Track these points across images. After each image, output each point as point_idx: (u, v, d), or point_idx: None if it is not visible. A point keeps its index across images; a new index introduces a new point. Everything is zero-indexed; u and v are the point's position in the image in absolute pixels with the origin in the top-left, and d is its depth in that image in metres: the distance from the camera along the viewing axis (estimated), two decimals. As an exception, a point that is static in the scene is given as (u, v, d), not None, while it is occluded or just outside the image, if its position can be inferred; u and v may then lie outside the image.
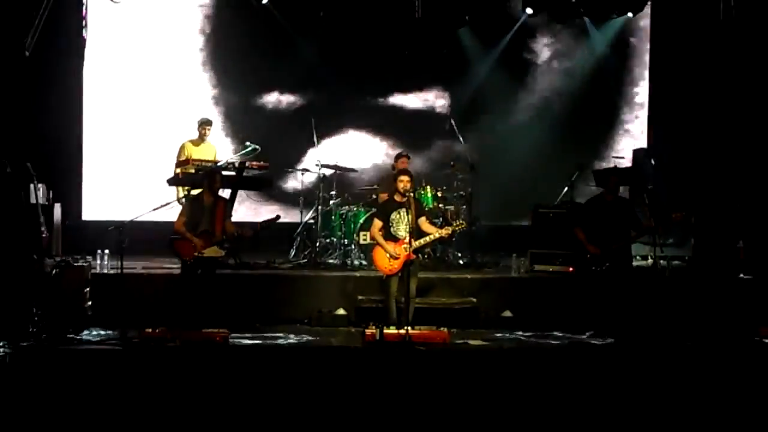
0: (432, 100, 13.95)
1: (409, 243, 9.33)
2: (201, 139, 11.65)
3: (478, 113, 13.90)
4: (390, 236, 9.54)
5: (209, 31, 13.48)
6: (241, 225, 10.16)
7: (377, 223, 9.63)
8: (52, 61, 12.25)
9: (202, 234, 9.66)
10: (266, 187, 11.98)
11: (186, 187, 11.27)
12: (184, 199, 11.20)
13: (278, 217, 10.11)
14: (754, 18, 12.07)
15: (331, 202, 11.85)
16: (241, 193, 11.55)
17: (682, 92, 13.63)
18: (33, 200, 10.05)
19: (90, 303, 9.64)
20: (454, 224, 9.90)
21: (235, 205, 11.20)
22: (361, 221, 11.36)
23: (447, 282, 10.78)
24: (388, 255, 9.49)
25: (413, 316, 9.54)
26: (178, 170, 11.41)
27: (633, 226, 10.01)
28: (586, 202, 10.61)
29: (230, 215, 10.13)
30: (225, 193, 10.67)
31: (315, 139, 12.20)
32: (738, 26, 12.07)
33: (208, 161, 11.33)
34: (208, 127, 11.68)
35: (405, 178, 9.57)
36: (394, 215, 9.56)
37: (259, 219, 10.21)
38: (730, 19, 12.00)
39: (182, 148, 11.62)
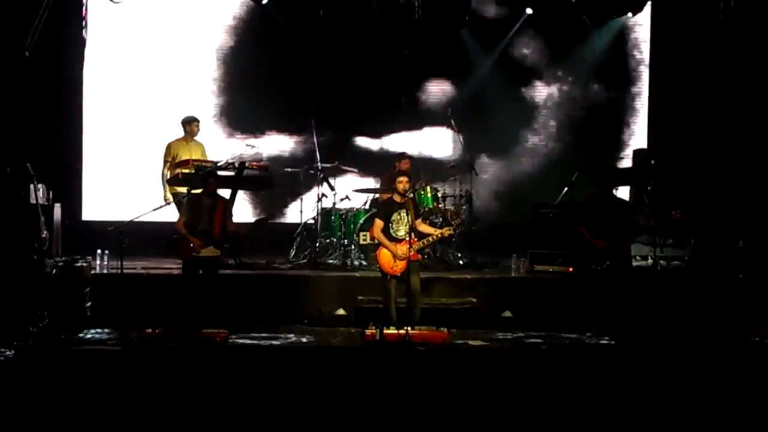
0: (432, 100, 13.93)
1: (410, 243, 9.33)
2: (189, 137, 11.62)
3: (478, 113, 13.89)
4: (390, 237, 9.54)
5: (209, 31, 13.48)
6: (237, 224, 10.21)
7: (378, 224, 9.62)
8: (52, 61, 12.24)
9: (200, 234, 9.71)
10: (266, 187, 11.97)
11: (173, 187, 11.28)
12: (171, 199, 11.21)
13: (271, 215, 10.18)
14: (754, 18, 12.06)
15: (331, 202, 11.85)
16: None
17: (682, 92, 13.63)
18: (33, 200, 10.04)
19: (90, 303, 9.65)
20: (453, 224, 9.92)
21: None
22: (361, 221, 11.37)
23: (447, 282, 10.79)
24: (393, 256, 9.47)
25: (420, 314, 9.55)
26: (178, 170, 11.37)
27: (631, 226, 10.03)
28: (586, 200, 10.62)
29: (231, 215, 10.16)
30: (226, 193, 10.66)
31: (315, 139, 12.20)
32: (738, 26, 12.06)
33: (206, 161, 11.33)
34: (196, 124, 11.65)
35: (403, 179, 9.61)
36: (394, 216, 9.57)
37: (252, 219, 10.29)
38: (730, 19, 11.99)
39: (169, 147, 11.58)
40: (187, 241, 9.67)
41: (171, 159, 11.47)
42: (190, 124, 11.63)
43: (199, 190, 10.32)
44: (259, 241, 11.95)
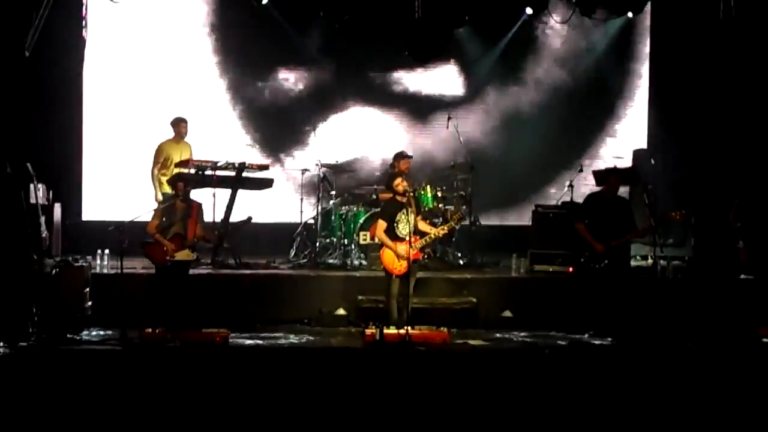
0: (432, 100, 13.93)
1: (410, 242, 9.33)
2: (178, 138, 11.57)
3: (479, 113, 13.89)
4: (394, 236, 9.53)
5: (209, 31, 13.46)
6: (211, 228, 10.15)
7: (381, 224, 9.61)
8: (52, 61, 12.22)
9: (174, 237, 9.66)
10: (266, 187, 11.96)
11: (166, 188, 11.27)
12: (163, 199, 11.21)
13: (250, 218, 10.17)
14: (754, 18, 12.06)
15: (331, 202, 11.84)
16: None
17: (682, 92, 13.62)
18: (33, 200, 10.04)
19: (90, 303, 9.65)
20: (452, 219, 9.93)
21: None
22: (361, 221, 11.36)
23: (447, 282, 10.79)
24: (396, 255, 9.46)
25: (409, 315, 9.55)
26: (178, 170, 11.36)
27: (630, 226, 10.04)
28: (586, 199, 10.63)
29: (203, 220, 10.02)
30: (200, 197, 10.57)
31: (315, 140, 12.20)
32: (738, 26, 12.05)
33: (205, 161, 11.32)
34: (185, 125, 11.59)
35: (398, 180, 9.66)
36: (399, 216, 9.57)
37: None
38: (730, 19, 11.98)
39: (160, 148, 11.52)
40: (161, 245, 9.62)
41: (162, 160, 11.43)
42: (178, 125, 11.59)
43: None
44: (260, 241, 11.94)
